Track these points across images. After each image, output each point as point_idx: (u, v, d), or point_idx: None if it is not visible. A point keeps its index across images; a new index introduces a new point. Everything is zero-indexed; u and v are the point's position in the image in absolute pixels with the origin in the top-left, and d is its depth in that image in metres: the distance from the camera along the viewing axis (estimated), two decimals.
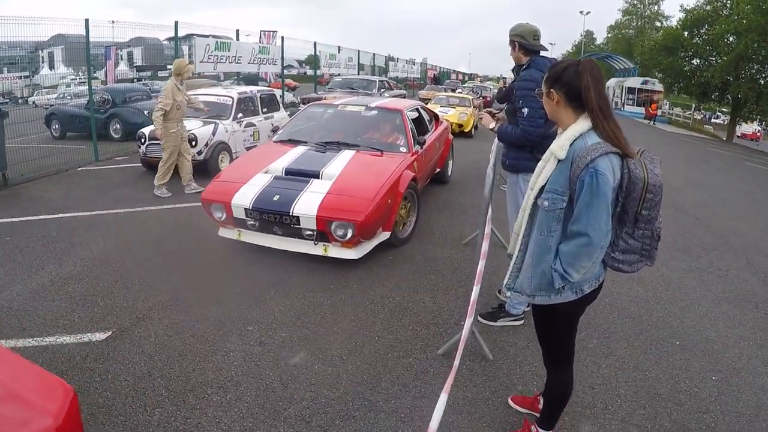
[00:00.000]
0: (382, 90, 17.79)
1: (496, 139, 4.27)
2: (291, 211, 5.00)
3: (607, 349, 3.96)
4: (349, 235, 4.89)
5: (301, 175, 5.48)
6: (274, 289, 4.77)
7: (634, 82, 43.64)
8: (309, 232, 5.09)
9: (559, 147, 2.24)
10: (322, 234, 5.05)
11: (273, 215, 5.10)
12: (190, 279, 5.00)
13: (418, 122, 7.63)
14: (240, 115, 9.91)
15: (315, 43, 21.16)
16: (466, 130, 15.92)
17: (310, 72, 25.32)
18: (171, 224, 6.73)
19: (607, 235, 2.20)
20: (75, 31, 12.82)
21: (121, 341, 3.95)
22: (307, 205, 5.01)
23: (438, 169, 8.31)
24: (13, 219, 7.00)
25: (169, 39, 18.77)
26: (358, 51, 27.00)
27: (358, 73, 25.23)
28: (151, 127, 8.86)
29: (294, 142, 6.48)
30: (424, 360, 3.70)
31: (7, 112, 9.27)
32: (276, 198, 5.14)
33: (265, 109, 10.77)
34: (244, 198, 5.24)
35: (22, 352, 3.86)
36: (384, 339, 3.93)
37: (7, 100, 22.41)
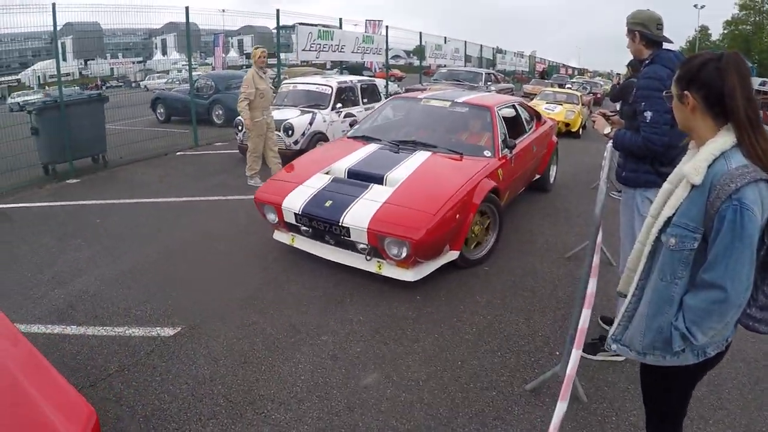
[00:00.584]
0: (489, 83, 17.17)
1: (609, 145, 3.70)
2: (341, 221, 4.50)
3: (717, 400, 3.31)
4: (404, 254, 4.30)
5: (364, 179, 4.99)
6: (356, 294, 4.49)
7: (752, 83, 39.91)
8: (362, 246, 4.57)
9: (694, 169, 1.73)
10: (375, 249, 4.51)
11: (323, 223, 4.66)
12: (271, 277, 4.85)
13: (514, 122, 6.89)
14: (339, 105, 9.80)
15: (420, 33, 21.00)
16: (573, 130, 14.64)
17: (418, 63, 25.03)
18: (260, 216, 6.61)
19: (747, 290, 1.69)
20: (189, 19, 13.24)
21: (189, 339, 3.82)
22: (359, 215, 4.47)
23: (537, 176, 7.48)
24: (106, 201, 7.20)
25: (277, 28, 19.20)
26: (465, 42, 26.47)
27: (465, 65, 24.74)
28: None
29: (367, 139, 5.98)
30: (510, 395, 3.25)
31: (107, 97, 9.71)
32: (328, 204, 4.68)
33: (365, 100, 10.59)
34: (295, 201, 4.84)
35: (90, 339, 3.87)
36: (467, 365, 3.52)
37: (121, 84, 23.87)
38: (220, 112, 14.61)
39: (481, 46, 29.47)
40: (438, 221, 4.30)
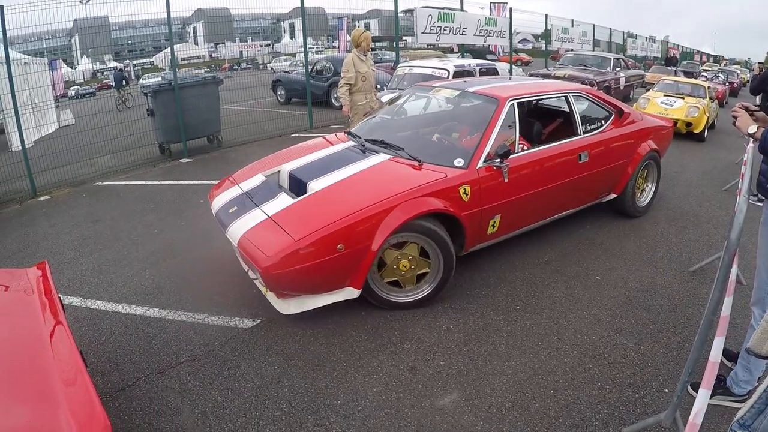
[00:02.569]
0: (617, 69, 16.01)
1: (750, 147, 3.08)
2: (226, 231, 4.02)
3: None
4: (261, 281, 3.70)
5: (294, 184, 4.39)
6: (449, 298, 4.19)
7: None
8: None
9: None
10: None
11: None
12: None
13: (557, 119, 5.95)
14: None
15: (546, 16, 20.29)
16: (696, 131, 11.41)
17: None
18: None
19: None
20: (314, 3, 13.50)
21: (266, 334, 3.73)
22: (238, 229, 3.87)
23: (609, 195, 5.82)
24: (213, 181, 7.34)
25: (404, 11, 19.18)
26: (594, 25, 25.09)
27: (593, 50, 23.47)
28: None
29: (351, 135, 5.20)
30: None
31: (222, 80, 10.08)
32: (231, 210, 4.18)
33: None
34: (218, 203, 4.44)
35: (169, 324, 3.92)
36: (560, 395, 3.10)
37: (249, 66, 24.98)
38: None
39: (611, 29, 27.88)
40: (298, 250, 3.43)
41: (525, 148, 4.76)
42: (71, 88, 18.68)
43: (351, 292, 3.75)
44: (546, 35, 21.44)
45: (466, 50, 17.44)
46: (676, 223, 5.97)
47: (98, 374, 3.30)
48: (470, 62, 10.59)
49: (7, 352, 2.21)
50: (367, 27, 34.74)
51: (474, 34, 15.08)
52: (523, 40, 34.49)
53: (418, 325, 3.80)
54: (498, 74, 10.84)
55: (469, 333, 3.70)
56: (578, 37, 22.88)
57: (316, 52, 26.06)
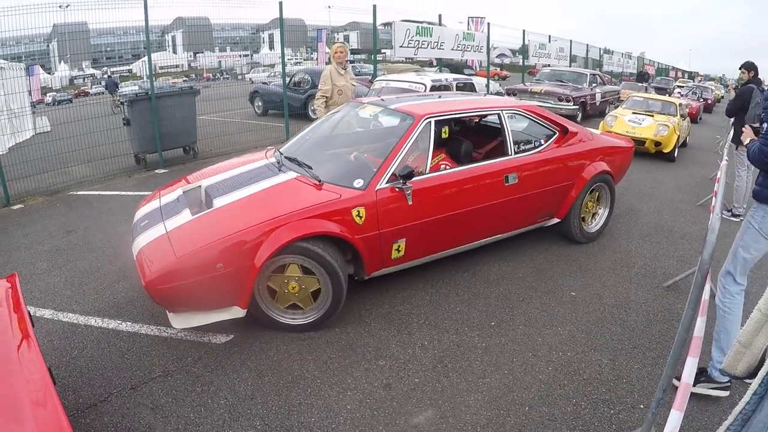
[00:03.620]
0: (594, 84, 16.34)
1: (723, 163, 3.29)
2: (132, 244, 4.01)
3: None
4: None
5: (207, 199, 4.27)
6: (423, 315, 4.22)
7: None
8: None
9: None
10: None
11: None
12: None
13: (485, 137, 5.70)
14: None
15: (524, 31, 20.58)
16: (665, 151, 11.11)
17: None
18: None
19: None
20: (294, 14, 13.47)
21: (239, 349, 3.74)
22: (139, 243, 3.87)
23: (553, 219, 5.56)
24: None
25: (383, 24, 19.32)
26: (571, 41, 25.55)
27: (570, 65, 23.90)
28: None
29: (278, 152, 5.01)
30: None
31: (199, 90, 10.06)
32: (143, 224, 4.13)
33: None
34: (137, 216, 4.43)
35: (141, 338, 3.90)
36: (535, 411, 3.15)
37: (228, 76, 24.92)
38: None
39: (588, 45, 28.57)
40: (177, 268, 3.43)
41: (447, 167, 4.70)
42: (48, 94, 18.46)
43: (237, 312, 3.68)
44: (523, 50, 21.77)
45: (443, 64, 17.60)
46: (651, 238, 6.10)
47: (69, 389, 3.27)
48: (447, 77, 10.72)
49: None
50: (347, 39, 34.88)
51: (452, 49, 15.23)
52: (501, 55, 34.91)
53: (393, 342, 3.82)
54: (475, 88, 10.99)
55: (443, 350, 3.74)
56: (555, 53, 23.26)
57: (295, 64, 26.12)
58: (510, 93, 15.12)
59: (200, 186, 4.55)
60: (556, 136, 5.41)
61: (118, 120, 9.30)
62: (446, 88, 9.97)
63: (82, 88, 23.84)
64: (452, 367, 3.55)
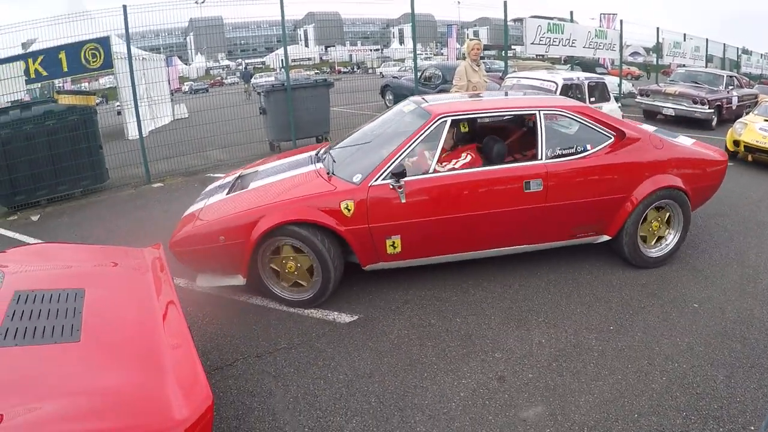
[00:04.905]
0: (730, 87, 15.04)
1: None
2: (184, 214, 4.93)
3: None
4: None
5: (247, 182, 4.92)
6: (545, 313, 4.17)
7: None
8: None
9: None
10: None
11: None
12: (458, 279, 4.72)
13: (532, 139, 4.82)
14: None
15: (658, 29, 19.36)
16: None
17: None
18: None
19: None
20: (424, 10, 13.70)
21: (362, 330, 3.91)
22: (184, 213, 4.89)
23: (603, 236, 4.84)
24: None
25: (514, 20, 19.05)
26: (707, 40, 23.62)
27: (706, 65, 22.18)
28: None
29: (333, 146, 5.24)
30: None
31: (333, 83, 10.40)
32: (197, 199, 5.14)
33: (592, 99, 9.89)
34: (205, 189, 5.51)
35: (270, 313, 4.18)
36: (644, 420, 3.02)
37: (360, 70, 25.66)
38: None
39: (725, 45, 26.21)
40: (192, 236, 4.26)
41: (469, 156, 4.67)
42: (186, 83, 19.83)
43: (239, 279, 4.25)
44: (657, 49, 20.58)
45: (575, 62, 17.08)
46: None
47: (199, 352, 3.54)
48: (579, 75, 10.35)
49: (122, 323, 2.45)
50: (476, 35, 34.64)
51: (583, 46, 14.78)
52: (634, 53, 33.14)
53: (511, 336, 3.83)
54: (607, 89, 10.54)
55: (560, 349, 3.69)
56: (690, 52, 21.80)
57: (425, 59, 26.33)
58: (643, 94, 14.40)
59: (256, 171, 5.19)
60: (610, 141, 4.77)
61: (252, 109, 9.87)
62: (578, 87, 9.62)
63: (218, 78, 25.34)
64: (567, 366, 3.50)
